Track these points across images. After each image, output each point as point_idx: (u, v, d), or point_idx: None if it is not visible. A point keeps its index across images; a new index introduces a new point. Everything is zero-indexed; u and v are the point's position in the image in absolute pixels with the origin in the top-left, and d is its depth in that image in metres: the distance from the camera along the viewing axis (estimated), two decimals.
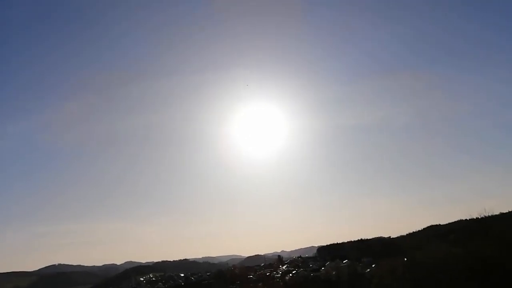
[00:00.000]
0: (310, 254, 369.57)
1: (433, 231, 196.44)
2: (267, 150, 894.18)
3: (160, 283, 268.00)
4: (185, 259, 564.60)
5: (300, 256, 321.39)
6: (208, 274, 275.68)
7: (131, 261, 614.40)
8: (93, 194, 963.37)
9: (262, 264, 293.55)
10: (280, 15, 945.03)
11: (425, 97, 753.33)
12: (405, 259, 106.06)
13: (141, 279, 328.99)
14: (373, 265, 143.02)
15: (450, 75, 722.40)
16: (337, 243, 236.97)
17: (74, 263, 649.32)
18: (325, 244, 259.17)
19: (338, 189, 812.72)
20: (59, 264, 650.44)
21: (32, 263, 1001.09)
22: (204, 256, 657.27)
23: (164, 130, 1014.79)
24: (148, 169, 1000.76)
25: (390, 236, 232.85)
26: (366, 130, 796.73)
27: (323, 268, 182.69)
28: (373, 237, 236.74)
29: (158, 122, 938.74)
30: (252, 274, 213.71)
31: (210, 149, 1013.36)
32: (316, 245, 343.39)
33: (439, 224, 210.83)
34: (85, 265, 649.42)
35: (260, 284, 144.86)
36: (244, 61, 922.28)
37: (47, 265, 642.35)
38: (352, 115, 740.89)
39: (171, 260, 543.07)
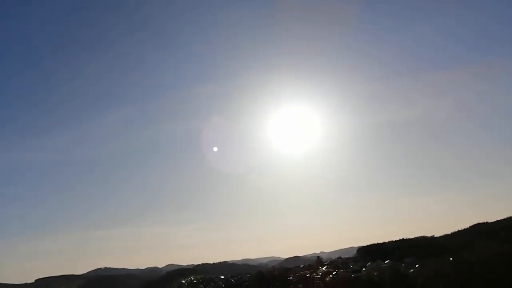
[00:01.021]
0: (350, 254, 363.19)
1: (480, 229, 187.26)
2: (303, 151, 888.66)
3: (201, 286, 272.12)
4: (225, 262, 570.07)
5: (340, 257, 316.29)
6: (247, 276, 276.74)
7: (172, 264, 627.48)
8: (136, 200, 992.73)
9: (301, 265, 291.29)
10: (321, 17, 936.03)
11: (467, 90, 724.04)
12: (451, 258, 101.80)
13: (183, 281, 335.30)
14: (416, 265, 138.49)
15: (493, 64, 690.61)
16: (378, 243, 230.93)
17: (119, 266, 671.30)
18: (365, 244, 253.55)
19: (377, 188, 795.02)
20: (105, 268, 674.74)
21: (80, 266, 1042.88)
22: (243, 258, 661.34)
23: (203, 135, 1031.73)
24: (188, 175, 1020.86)
25: (434, 235, 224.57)
26: (405, 127, 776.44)
27: (364, 269, 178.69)
28: (416, 236, 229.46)
29: (197, 128, 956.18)
30: (292, 275, 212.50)
31: (247, 153, 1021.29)
32: (356, 246, 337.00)
33: (487, 222, 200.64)
34: (129, 268, 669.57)
35: (300, 286, 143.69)
36: (279, 63, 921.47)
37: (94, 268, 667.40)
38: (389, 111, 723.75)
39: (211, 262, 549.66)
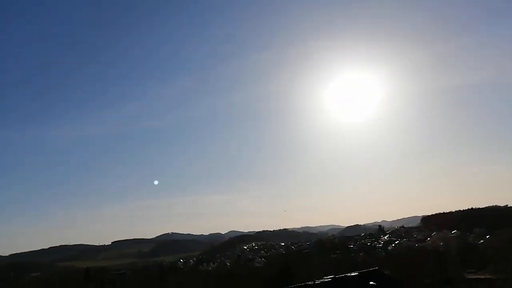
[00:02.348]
0: (414, 224, 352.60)
1: None
2: (364, 118, 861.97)
3: (262, 252, 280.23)
4: (285, 229, 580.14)
5: (403, 226, 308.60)
6: (308, 243, 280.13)
7: (234, 231, 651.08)
8: (199, 169, 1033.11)
9: (362, 234, 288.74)
10: None
11: None
12: None
13: (244, 247, 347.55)
14: (487, 236, 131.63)
15: None
16: (444, 213, 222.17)
17: (185, 232, 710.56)
18: (430, 214, 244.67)
19: (443, 155, 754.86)
20: (172, 233, 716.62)
21: (150, 231, 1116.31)
22: (303, 226, 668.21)
23: (262, 104, 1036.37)
24: (249, 143, 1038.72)
25: (507, 205, 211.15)
26: (473, 91, 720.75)
27: (429, 239, 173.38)
28: (486, 206, 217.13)
29: (255, 97, 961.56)
30: (352, 244, 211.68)
31: (308, 121, 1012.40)
32: (420, 215, 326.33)
33: None
34: (194, 233, 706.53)
35: (361, 254, 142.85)
36: (335, 29, 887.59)
37: (162, 233, 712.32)
38: (456, 75, 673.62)
39: (272, 230, 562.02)
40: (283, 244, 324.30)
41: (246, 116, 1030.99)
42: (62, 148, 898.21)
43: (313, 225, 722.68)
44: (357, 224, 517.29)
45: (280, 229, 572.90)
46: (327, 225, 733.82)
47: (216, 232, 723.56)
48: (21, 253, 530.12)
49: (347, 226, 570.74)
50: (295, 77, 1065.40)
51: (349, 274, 48.87)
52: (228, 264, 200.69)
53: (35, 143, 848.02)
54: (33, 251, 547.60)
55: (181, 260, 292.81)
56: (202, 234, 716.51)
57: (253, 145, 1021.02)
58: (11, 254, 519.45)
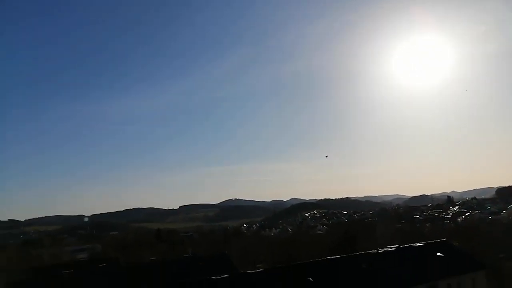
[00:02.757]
0: (487, 195, 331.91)
1: None
2: (432, 83, 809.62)
3: (323, 219, 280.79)
4: (347, 198, 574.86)
5: (475, 198, 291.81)
6: (371, 212, 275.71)
7: (296, 198, 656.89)
8: (262, 137, 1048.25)
9: (429, 204, 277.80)
10: None
11: None
12: None
13: (306, 214, 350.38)
14: None
15: None
16: None
17: (248, 198, 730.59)
18: (506, 185, 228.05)
19: None
20: (235, 199, 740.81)
21: (215, 197, 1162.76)
22: (366, 195, 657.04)
23: (325, 71, 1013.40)
24: (312, 111, 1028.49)
25: None
26: None
27: (504, 211, 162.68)
28: None
29: (318, 64, 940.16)
30: (418, 214, 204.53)
31: (373, 87, 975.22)
32: (495, 186, 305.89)
33: None
34: (256, 200, 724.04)
35: (427, 225, 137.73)
36: None
37: (226, 199, 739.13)
38: None
39: (334, 198, 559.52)
40: (345, 212, 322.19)
41: (309, 84, 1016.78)
42: (134, 117, 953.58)
43: (377, 194, 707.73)
44: (424, 194, 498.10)
45: (342, 198, 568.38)
46: (391, 195, 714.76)
47: (278, 199, 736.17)
48: (101, 214, 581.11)
49: (413, 196, 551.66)
50: (360, 42, 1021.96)
51: (414, 244, 47.54)
52: (290, 230, 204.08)
53: (113, 113, 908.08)
54: (110, 212, 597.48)
55: (244, 225, 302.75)
56: (264, 201, 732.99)
57: (317, 113, 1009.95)
58: (93, 215, 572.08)
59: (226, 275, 33.88)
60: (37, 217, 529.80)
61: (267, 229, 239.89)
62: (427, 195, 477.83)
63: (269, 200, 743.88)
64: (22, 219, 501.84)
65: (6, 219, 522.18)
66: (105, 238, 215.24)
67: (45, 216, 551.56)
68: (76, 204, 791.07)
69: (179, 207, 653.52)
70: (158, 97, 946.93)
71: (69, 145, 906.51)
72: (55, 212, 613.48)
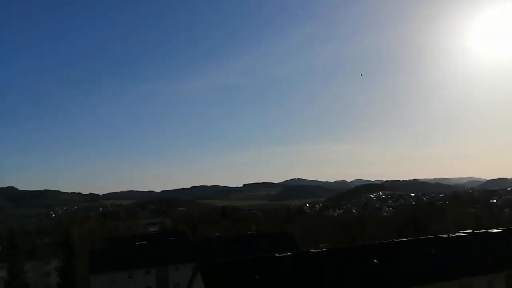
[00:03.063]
0: None
1: None
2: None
3: (389, 201, 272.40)
4: (415, 179, 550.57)
5: None
6: (441, 195, 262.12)
7: (360, 179, 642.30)
8: (325, 117, 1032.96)
9: (508, 188, 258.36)
10: None
11: None
12: None
13: (371, 196, 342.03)
14: None
15: None
16: None
17: (311, 178, 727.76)
18: None
19: None
20: (298, 178, 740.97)
21: (278, 176, 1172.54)
22: (436, 177, 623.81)
23: (393, 47, 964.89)
24: (379, 89, 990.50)
25: None
26: None
27: None
28: None
29: (388, 40, 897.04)
30: (496, 198, 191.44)
31: (445, 62, 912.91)
32: None
33: None
34: (319, 180, 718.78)
35: (506, 210, 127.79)
36: None
37: (288, 178, 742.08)
38: None
39: (400, 179, 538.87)
40: (412, 194, 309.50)
41: (376, 60, 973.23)
42: (202, 97, 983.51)
43: (448, 177, 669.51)
44: (502, 178, 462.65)
45: (410, 180, 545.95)
46: (464, 177, 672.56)
47: (341, 179, 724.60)
48: (169, 190, 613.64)
49: (490, 179, 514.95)
50: (432, 14, 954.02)
51: (490, 230, 44.38)
52: (354, 211, 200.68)
53: (182, 94, 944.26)
54: (178, 189, 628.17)
55: (307, 205, 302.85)
56: (327, 181, 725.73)
57: (384, 91, 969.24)
58: (162, 191, 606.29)
59: (289, 253, 34.15)
60: (113, 191, 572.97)
61: (330, 209, 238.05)
62: (506, 178, 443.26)
63: (333, 181, 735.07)
64: (101, 193, 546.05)
65: (87, 193, 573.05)
66: (174, 213, 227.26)
67: (121, 191, 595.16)
68: (147, 180, 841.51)
69: (243, 185, 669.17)
70: (227, 77, 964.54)
71: (141, 128, 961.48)
72: (129, 188, 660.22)
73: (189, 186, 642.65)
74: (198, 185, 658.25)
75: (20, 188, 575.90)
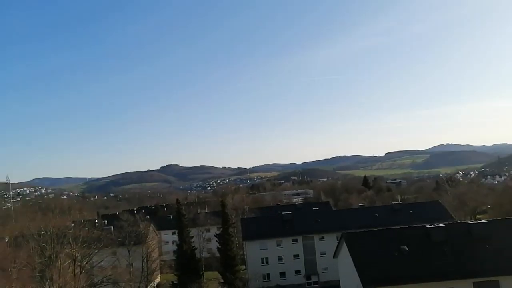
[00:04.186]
0: None
1: None
2: None
3: None
4: None
5: None
6: None
7: None
8: (476, 71, 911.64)
9: None
10: None
11: None
12: None
13: None
14: None
15: None
16: None
17: (462, 143, 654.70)
18: None
19: None
20: (447, 144, 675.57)
21: (424, 142, 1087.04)
22: None
23: None
24: None
25: None
26: None
27: None
28: None
29: None
30: None
31: None
32: None
33: None
34: (473, 144, 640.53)
35: None
36: None
37: (436, 144, 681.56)
38: None
39: None
40: None
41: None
42: (339, 66, 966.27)
43: None
44: None
45: None
46: None
47: (502, 142, 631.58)
48: (309, 162, 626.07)
49: None
50: None
51: None
52: None
53: (316, 64, 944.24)
54: (318, 160, 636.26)
55: (460, 172, 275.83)
56: (484, 145, 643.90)
57: None
58: (303, 163, 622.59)
59: (441, 224, 32.04)
60: (258, 165, 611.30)
61: (488, 176, 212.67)
62: None
63: (490, 144, 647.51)
64: (247, 167, 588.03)
65: (236, 167, 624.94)
66: (315, 184, 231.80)
67: (265, 164, 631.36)
68: (288, 154, 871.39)
69: (385, 154, 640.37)
70: (360, 42, 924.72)
71: (283, 104, 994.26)
72: (272, 161, 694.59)
73: (328, 157, 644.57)
74: (337, 155, 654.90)
75: (182, 165, 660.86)
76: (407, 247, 29.66)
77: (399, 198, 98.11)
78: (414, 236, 31.04)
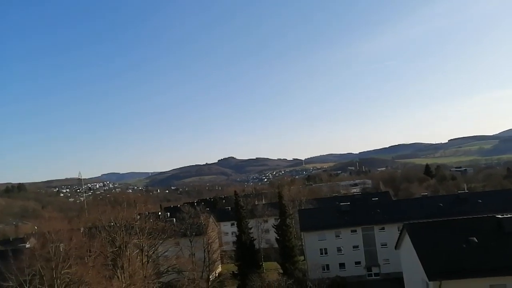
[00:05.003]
0: None
1: None
2: None
3: None
4: None
5: None
6: None
7: None
8: None
9: None
10: None
11: None
12: None
13: None
14: None
15: None
16: None
17: None
18: None
19: None
20: None
21: (492, 127, 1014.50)
22: None
23: None
24: None
25: None
26: None
27: None
28: None
29: None
30: None
31: None
32: None
33: None
34: None
35: None
36: None
37: (506, 129, 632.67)
38: None
39: None
40: None
41: None
42: (389, 54, 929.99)
43: None
44: None
45: None
46: None
47: None
48: (367, 151, 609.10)
49: None
50: None
51: None
52: None
53: (365, 55, 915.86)
54: (376, 149, 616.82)
55: None
56: None
57: None
58: (360, 152, 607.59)
59: None
60: (314, 156, 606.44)
61: None
62: None
63: None
64: (303, 158, 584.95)
65: (291, 158, 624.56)
66: (374, 174, 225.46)
67: (320, 155, 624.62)
68: (345, 143, 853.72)
69: (448, 140, 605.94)
70: (418, 26, 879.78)
71: (338, 94, 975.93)
72: (328, 152, 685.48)
73: (387, 146, 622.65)
74: (396, 144, 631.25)
75: (238, 157, 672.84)
76: (476, 238, 28.14)
77: (465, 187, 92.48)
78: (484, 226, 29.35)
